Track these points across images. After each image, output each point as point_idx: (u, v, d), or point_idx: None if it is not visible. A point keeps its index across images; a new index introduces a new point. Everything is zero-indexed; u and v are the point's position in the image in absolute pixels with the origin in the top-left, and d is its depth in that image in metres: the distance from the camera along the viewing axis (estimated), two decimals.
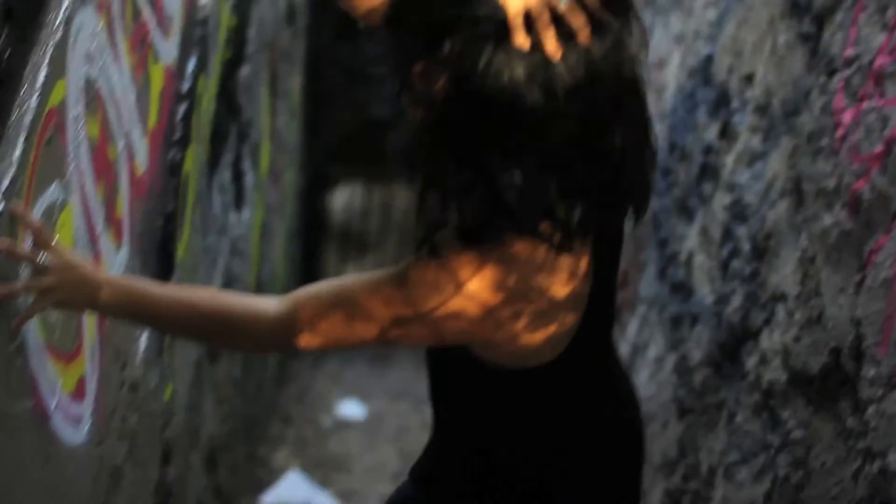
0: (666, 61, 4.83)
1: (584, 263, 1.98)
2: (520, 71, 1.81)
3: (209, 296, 2.07)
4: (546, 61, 1.81)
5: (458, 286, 1.89)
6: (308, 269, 12.14)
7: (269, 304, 2.02)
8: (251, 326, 2.00)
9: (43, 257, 1.92)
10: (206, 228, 3.68)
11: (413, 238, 1.90)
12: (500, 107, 1.81)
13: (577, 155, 1.85)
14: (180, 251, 3.10)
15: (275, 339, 2.02)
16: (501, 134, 1.83)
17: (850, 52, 3.02)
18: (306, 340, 1.97)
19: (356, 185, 17.98)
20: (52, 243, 1.94)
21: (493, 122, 1.82)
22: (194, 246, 3.37)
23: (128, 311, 2.03)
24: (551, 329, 1.98)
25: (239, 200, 4.56)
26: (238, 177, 4.53)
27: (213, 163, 3.76)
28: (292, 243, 8.57)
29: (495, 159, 1.83)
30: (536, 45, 1.82)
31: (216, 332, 2.05)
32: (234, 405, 4.97)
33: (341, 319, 1.94)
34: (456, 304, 1.90)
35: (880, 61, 2.83)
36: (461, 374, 2.07)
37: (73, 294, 1.97)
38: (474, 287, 1.89)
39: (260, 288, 5.72)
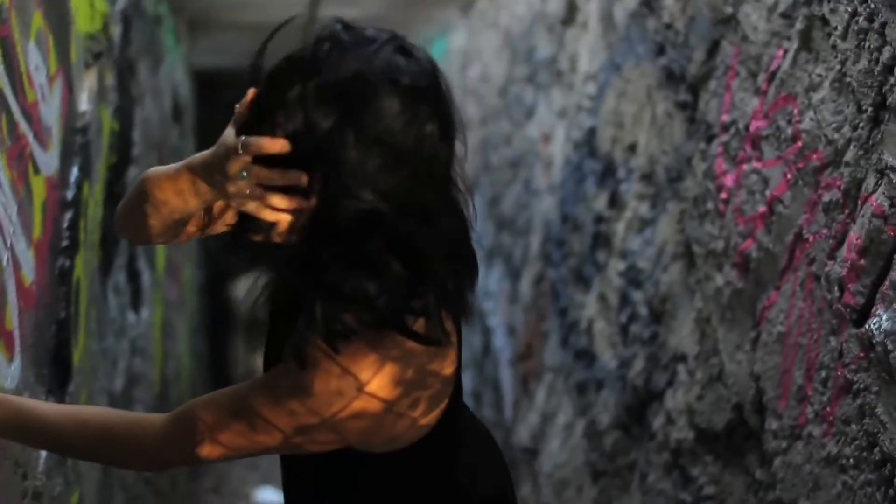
0: (551, 136, 4.89)
1: (453, 334, 1.97)
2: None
3: (98, 412, 2.02)
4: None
5: (360, 388, 1.87)
6: (215, 363, 12.05)
7: (157, 417, 1.97)
8: (137, 440, 1.95)
9: None
10: (104, 331, 3.65)
11: (295, 342, 1.86)
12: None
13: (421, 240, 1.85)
14: (76, 357, 3.07)
15: (165, 451, 1.96)
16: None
17: (725, 117, 3.09)
18: (207, 451, 1.92)
19: (258, 274, 17.78)
20: None
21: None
22: (91, 350, 3.34)
23: (14, 430, 1.99)
24: (442, 406, 1.97)
25: (136, 300, 4.53)
26: (134, 277, 4.49)
27: (105, 266, 3.73)
28: (196, 338, 8.50)
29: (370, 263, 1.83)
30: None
31: (103, 448, 2.01)
32: None
33: (242, 430, 1.89)
34: (358, 405, 1.88)
35: (755, 125, 2.89)
36: (322, 462, 2.02)
37: None
38: (375, 386, 1.88)
39: (165, 385, 5.67)
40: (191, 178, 1.93)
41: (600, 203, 4.15)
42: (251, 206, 1.84)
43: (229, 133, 1.86)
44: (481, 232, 6.16)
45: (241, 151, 1.81)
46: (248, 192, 1.83)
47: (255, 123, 1.83)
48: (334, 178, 1.78)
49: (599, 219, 4.15)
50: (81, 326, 3.15)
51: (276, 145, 1.80)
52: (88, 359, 3.29)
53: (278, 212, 1.83)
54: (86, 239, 3.23)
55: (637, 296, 3.72)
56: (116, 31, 3.96)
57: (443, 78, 1.87)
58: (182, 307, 7.05)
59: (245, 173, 1.81)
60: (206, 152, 1.91)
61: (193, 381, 7.78)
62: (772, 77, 2.82)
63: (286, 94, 1.81)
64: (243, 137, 1.82)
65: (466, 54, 7.00)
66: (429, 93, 1.84)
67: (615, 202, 4.01)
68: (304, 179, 1.79)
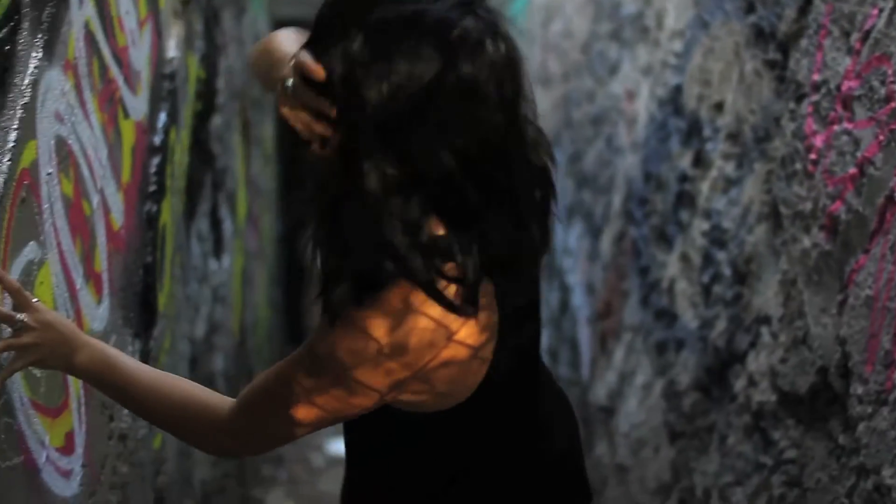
0: (635, 93, 4.85)
1: (488, 292, 1.94)
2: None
3: (180, 387, 2.02)
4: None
5: (450, 336, 1.87)
6: (290, 313, 12.13)
7: (224, 407, 1.98)
8: (205, 425, 1.98)
9: (22, 317, 1.92)
10: (187, 278, 3.68)
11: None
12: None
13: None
14: (162, 302, 3.10)
15: (228, 446, 2.03)
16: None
17: (816, 77, 3.04)
18: (302, 416, 1.94)
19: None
20: (31, 303, 1.94)
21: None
22: (176, 296, 3.37)
23: (99, 379, 2.01)
24: (483, 369, 1.95)
25: (218, 248, 4.56)
26: (216, 225, 4.53)
27: (189, 213, 3.76)
28: (274, 288, 8.56)
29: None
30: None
31: (174, 426, 2.03)
32: None
33: (339, 395, 1.89)
34: (448, 353, 1.87)
35: (847, 85, 2.84)
36: (375, 420, 2.02)
37: (50, 354, 1.96)
38: (464, 333, 1.87)
39: (244, 334, 5.72)
40: None
41: (685, 161, 4.11)
42: (292, 119, 1.85)
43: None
44: (561, 189, 6.14)
45: (291, 64, 1.86)
46: (287, 104, 1.84)
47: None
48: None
49: (683, 177, 4.12)
50: (167, 272, 3.18)
51: (316, 71, 1.80)
52: (173, 304, 3.33)
53: (312, 132, 1.84)
54: (172, 185, 3.25)
55: (721, 256, 3.68)
56: None
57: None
58: (261, 257, 7.10)
59: (290, 84, 1.84)
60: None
61: (271, 330, 7.84)
62: (866, 36, 2.77)
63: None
64: (302, 52, 1.83)
65: (548, 9, 6.95)
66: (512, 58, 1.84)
67: (700, 161, 3.97)
68: (330, 110, 1.80)
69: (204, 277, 4.16)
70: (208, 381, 4.40)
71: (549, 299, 6.27)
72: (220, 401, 2.00)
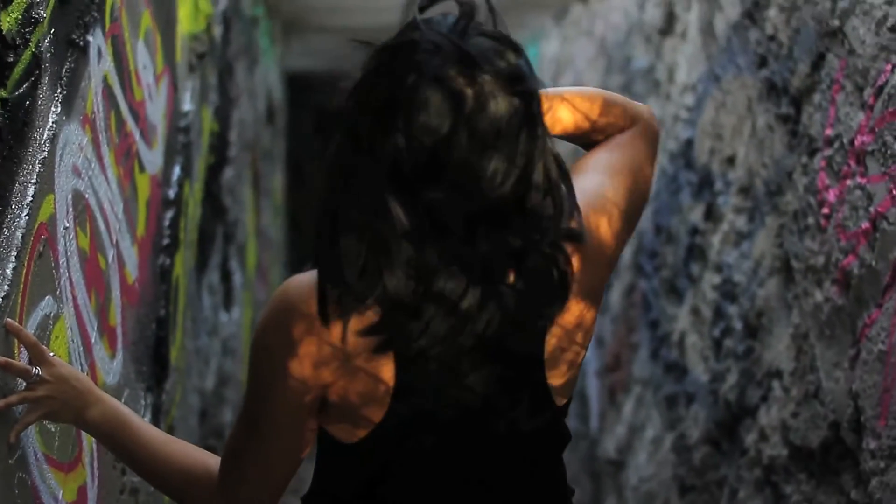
0: None
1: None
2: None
3: (184, 452, 2.01)
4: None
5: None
6: None
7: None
8: (208, 492, 1.96)
9: (37, 371, 1.93)
10: (198, 330, 3.69)
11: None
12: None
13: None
14: (174, 355, 3.10)
15: None
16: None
17: (829, 131, 3.05)
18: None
19: None
20: (47, 357, 1.94)
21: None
22: (187, 349, 3.37)
23: (109, 435, 2.01)
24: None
25: (228, 300, 4.57)
26: (226, 277, 4.54)
27: (201, 265, 3.77)
28: None
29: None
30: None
31: (178, 488, 2.00)
32: None
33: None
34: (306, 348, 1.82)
35: (860, 140, 2.86)
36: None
37: (63, 407, 1.97)
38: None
39: None
40: None
41: (696, 215, 4.12)
42: None
43: None
44: None
45: None
46: None
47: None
48: None
49: (694, 231, 4.12)
50: (179, 324, 3.19)
51: None
52: (184, 357, 3.33)
53: None
54: (185, 238, 3.26)
55: (732, 310, 3.69)
56: (218, 31, 4.00)
57: None
58: None
59: None
60: None
61: None
62: (879, 91, 2.79)
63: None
64: None
65: (559, 62, 6.99)
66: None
67: (711, 214, 3.98)
68: None
69: (214, 330, 4.17)
70: (218, 434, 4.40)
71: None
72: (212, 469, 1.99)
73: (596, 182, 1.96)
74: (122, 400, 2.49)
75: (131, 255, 2.61)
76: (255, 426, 1.92)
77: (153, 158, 2.82)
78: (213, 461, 2.01)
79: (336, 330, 1.78)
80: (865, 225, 2.80)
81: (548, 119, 1.87)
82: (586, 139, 2.06)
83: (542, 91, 1.89)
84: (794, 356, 3.22)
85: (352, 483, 1.96)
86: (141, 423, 2.04)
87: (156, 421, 2.88)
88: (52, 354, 1.97)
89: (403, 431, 1.86)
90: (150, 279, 2.82)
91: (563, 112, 2.02)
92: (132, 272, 2.62)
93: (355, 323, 1.77)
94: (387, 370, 1.81)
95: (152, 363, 2.85)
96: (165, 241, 3.00)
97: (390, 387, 1.82)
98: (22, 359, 1.94)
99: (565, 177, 1.82)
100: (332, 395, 1.85)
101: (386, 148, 1.72)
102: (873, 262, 2.75)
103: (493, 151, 1.73)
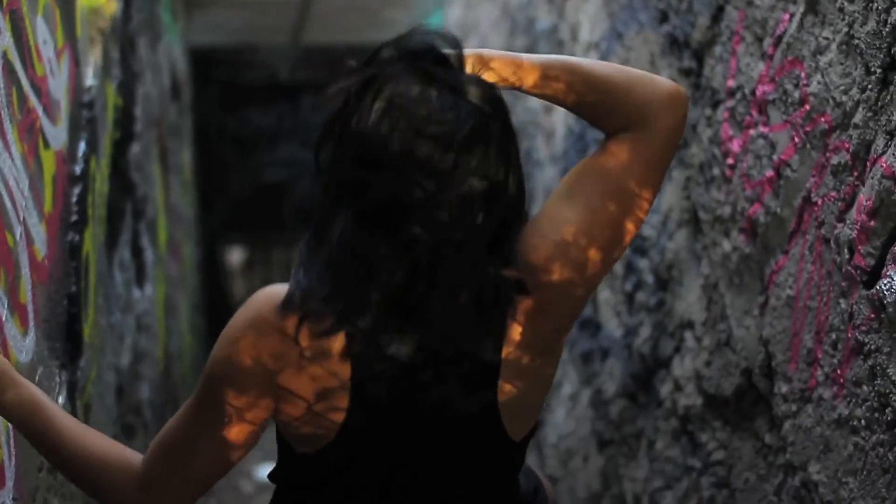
0: (552, 106, 4.88)
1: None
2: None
3: (101, 441, 2.01)
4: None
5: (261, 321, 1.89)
6: (213, 341, 12.03)
7: (137, 466, 1.98)
8: (120, 485, 1.97)
9: None
10: (111, 307, 3.66)
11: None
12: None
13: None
14: (87, 332, 3.08)
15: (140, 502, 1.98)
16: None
17: (731, 83, 3.09)
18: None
19: (255, 251, 17.93)
20: None
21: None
22: (99, 325, 3.35)
23: (23, 420, 1.99)
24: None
25: (140, 277, 4.54)
26: (138, 253, 4.50)
27: (111, 242, 3.74)
28: (196, 316, 8.51)
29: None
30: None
31: (90, 478, 2.00)
32: None
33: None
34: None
35: (762, 89, 2.89)
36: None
37: None
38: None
39: (169, 361, 5.69)
40: None
41: None
42: None
43: None
44: None
45: None
46: None
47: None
48: None
49: None
50: (91, 301, 3.16)
51: None
52: (97, 334, 3.30)
53: None
54: (93, 214, 3.23)
55: (642, 264, 3.73)
56: (118, 6, 3.96)
57: None
58: (183, 284, 7.06)
59: None
60: None
61: (195, 359, 7.79)
62: (778, 41, 2.83)
63: None
64: None
65: (464, 26, 6.99)
66: None
67: None
68: None
69: (127, 306, 4.14)
70: (136, 411, 4.38)
71: None
72: (137, 457, 2.00)
73: (564, 216, 1.93)
74: (37, 378, 2.48)
75: (39, 232, 2.58)
76: (202, 419, 1.92)
77: (57, 134, 2.79)
78: (129, 454, 2.00)
79: (298, 333, 1.82)
80: (770, 173, 2.85)
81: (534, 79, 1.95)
82: (589, 119, 2.05)
83: (545, 56, 1.97)
84: (705, 306, 3.26)
85: (317, 492, 1.98)
86: (57, 410, 2.03)
87: (72, 398, 2.86)
88: None
89: (365, 435, 1.90)
90: (59, 256, 2.79)
91: (556, 82, 2.00)
92: (41, 249, 2.59)
93: (315, 326, 1.81)
94: (344, 370, 1.85)
95: (65, 340, 2.83)
96: (74, 218, 2.97)
97: (348, 386, 1.86)
98: None
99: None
100: (290, 397, 1.89)
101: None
102: (778, 210, 2.79)
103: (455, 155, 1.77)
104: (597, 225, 1.93)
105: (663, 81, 2.01)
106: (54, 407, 2.02)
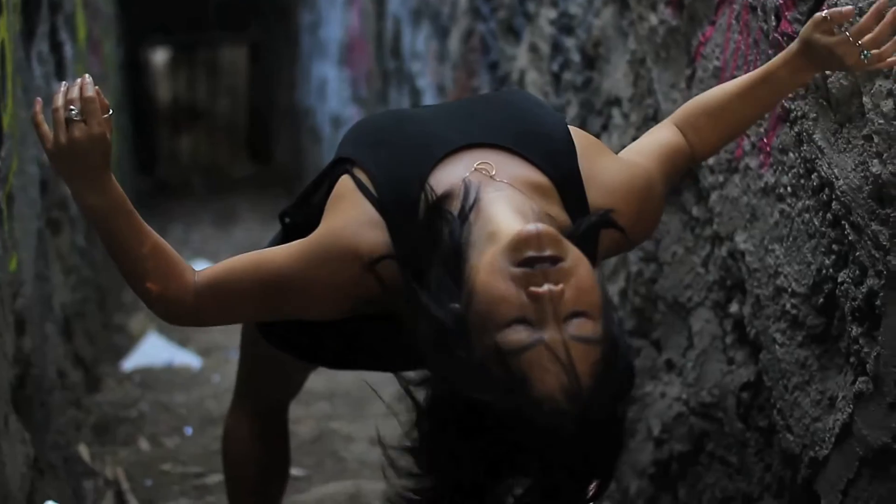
0: None
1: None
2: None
3: (156, 239, 2.09)
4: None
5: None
6: (138, 140, 11.96)
7: (192, 280, 2.09)
8: (172, 282, 2.08)
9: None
10: (30, 100, 3.59)
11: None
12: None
13: None
14: (6, 122, 3.02)
15: (179, 312, 2.12)
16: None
17: None
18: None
19: (178, 50, 17.62)
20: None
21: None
22: (19, 117, 3.28)
23: (112, 205, 2.03)
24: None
25: (60, 72, 4.45)
26: (56, 48, 4.41)
27: (28, 33, 3.65)
28: (120, 115, 8.41)
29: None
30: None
31: (142, 266, 2.07)
32: (82, 274, 4.92)
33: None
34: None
35: None
36: None
37: (104, 153, 1.99)
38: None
39: None
40: None
41: None
42: None
43: None
44: None
45: None
46: None
47: None
48: None
49: None
50: (9, 91, 3.09)
51: None
52: (17, 126, 3.24)
53: None
54: (7, 2, 3.14)
55: (569, 42, 3.69)
56: None
57: None
58: (105, 84, 6.94)
59: None
60: None
61: (120, 157, 7.73)
62: None
63: None
64: None
65: None
66: None
67: None
68: None
69: (48, 100, 4.06)
70: (61, 205, 4.34)
71: (400, 103, 6.25)
72: (188, 268, 2.11)
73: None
74: None
75: None
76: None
77: None
78: (180, 265, 2.10)
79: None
80: None
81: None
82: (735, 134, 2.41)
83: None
84: (632, 82, 3.24)
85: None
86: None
87: None
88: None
89: None
90: None
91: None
92: None
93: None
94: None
95: None
96: None
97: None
98: None
99: None
100: None
101: None
102: None
103: None
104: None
105: None
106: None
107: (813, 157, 2.30)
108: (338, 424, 4.41)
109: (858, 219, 2.13)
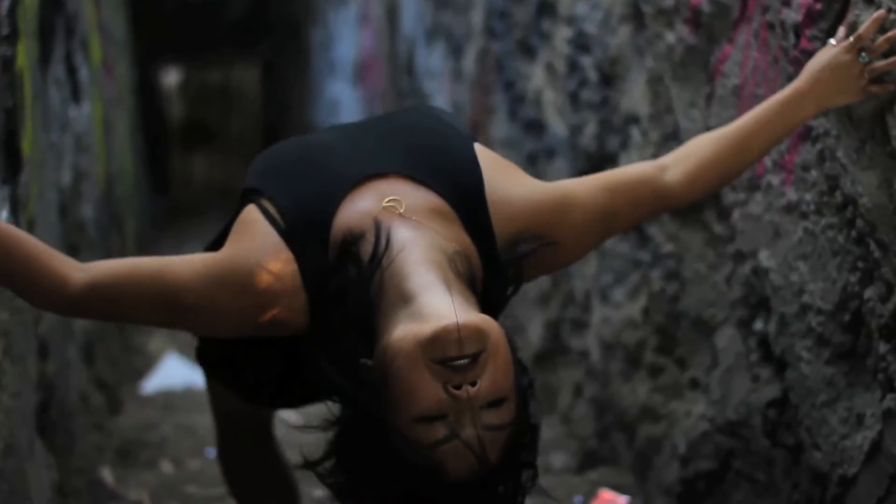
0: None
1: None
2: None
3: (25, 237, 2.06)
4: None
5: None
6: (154, 162, 11.98)
7: (75, 273, 2.04)
8: (52, 283, 2.02)
9: None
10: (48, 125, 3.60)
11: None
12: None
13: None
14: (26, 147, 3.02)
15: (61, 306, 2.10)
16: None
17: None
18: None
19: (191, 72, 17.65)
20: None
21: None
22: (39, 142, 3.29)
23: None
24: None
25: (76, 95, 4.47)
26: (72, 72, 4.42)
27: (45, 58, 3.66)
28: (136, 137, 8.43)
29: None
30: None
31: (16, 273, 2.03)
32: None
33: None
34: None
35: None
36: None
37: None
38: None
39: (110, 182, 5.65)
40: None
41: None
42: None
43: None
44: (421, 12, 6.08)
45: None
46: None
47: None
48: None
49: None
50: (28, 116, 3.10)
51: None
52: (37, 151, 3.25)
53: None
54: (26, 28, 3.15)
55: (586, 61, 3.69)
56: None
57: None
58: (120, 105, 6.96)
59: None
60: None
61: (137, 179, 7.76)
62: None
63: None
64: None
65: None
66: None
67: None
68: None
69: (65, 125, 4.08)
70: (79, 228, 4.35)
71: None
72: (66, 263, 2.05)
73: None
74: None
75: None
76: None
77: None
78: (58, 257, 2.05)
79: None
80: None
81: None
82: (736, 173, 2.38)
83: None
84: (651, 100, 3.24)
85: None
86: None
87: (15, 214, 2.82)
88: None
89: None
90: None
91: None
92: None
93: None
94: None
95: (5, 154, 2.78)
96: (5, 31, 2.89)
97: None
98: None
99: None
100: None
101: None
102: None
103: None
104: None
105: None
106: None
107: (836, 174, 2.30)
108: None
109: (883, 236, 2.12)
